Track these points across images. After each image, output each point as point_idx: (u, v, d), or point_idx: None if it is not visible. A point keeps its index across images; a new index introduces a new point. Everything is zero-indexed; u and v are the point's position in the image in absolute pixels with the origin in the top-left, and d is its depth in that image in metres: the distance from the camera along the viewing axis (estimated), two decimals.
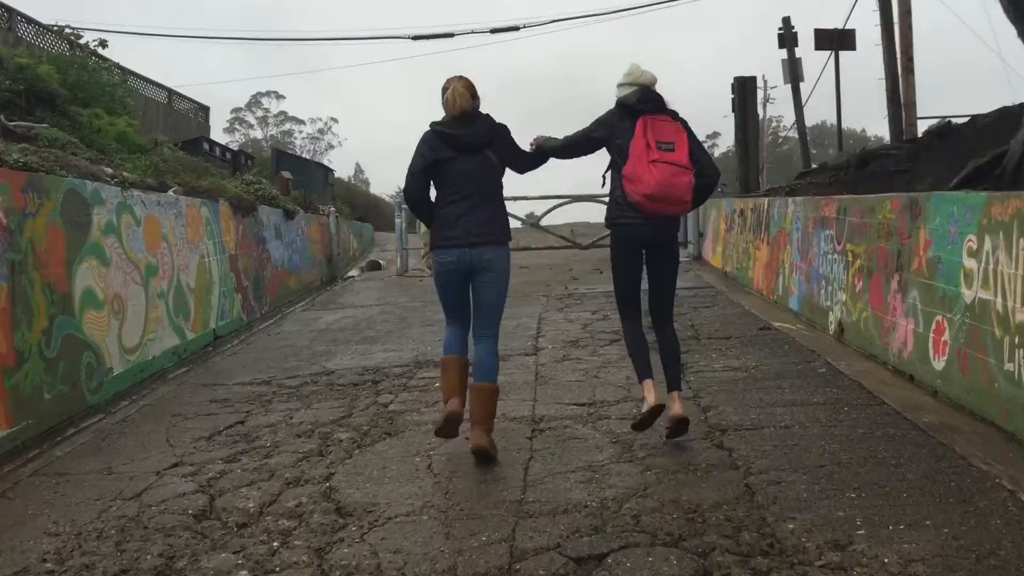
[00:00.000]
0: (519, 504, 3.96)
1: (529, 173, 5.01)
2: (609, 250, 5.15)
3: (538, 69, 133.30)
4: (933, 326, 5.64)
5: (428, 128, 4.72)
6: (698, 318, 8.86)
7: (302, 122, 73.25)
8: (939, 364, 5.54)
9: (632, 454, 4.59)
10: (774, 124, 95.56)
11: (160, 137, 14.92)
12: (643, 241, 4.87)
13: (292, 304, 12.30)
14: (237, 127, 71.61)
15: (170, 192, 8.77)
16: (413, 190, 4.73)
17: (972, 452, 4.31)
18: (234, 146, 73.35)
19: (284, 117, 73.26)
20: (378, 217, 38.01)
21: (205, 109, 22.45)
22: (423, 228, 14.63)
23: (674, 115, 4.81)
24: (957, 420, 4.93)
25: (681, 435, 4.71)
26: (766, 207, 10.67)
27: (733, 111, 16.86)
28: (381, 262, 17.53)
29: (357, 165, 78.99)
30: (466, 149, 4.63)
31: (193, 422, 5.78)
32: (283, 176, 15.01)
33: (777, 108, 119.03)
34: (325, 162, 75.63)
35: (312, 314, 11.02)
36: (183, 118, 21.37)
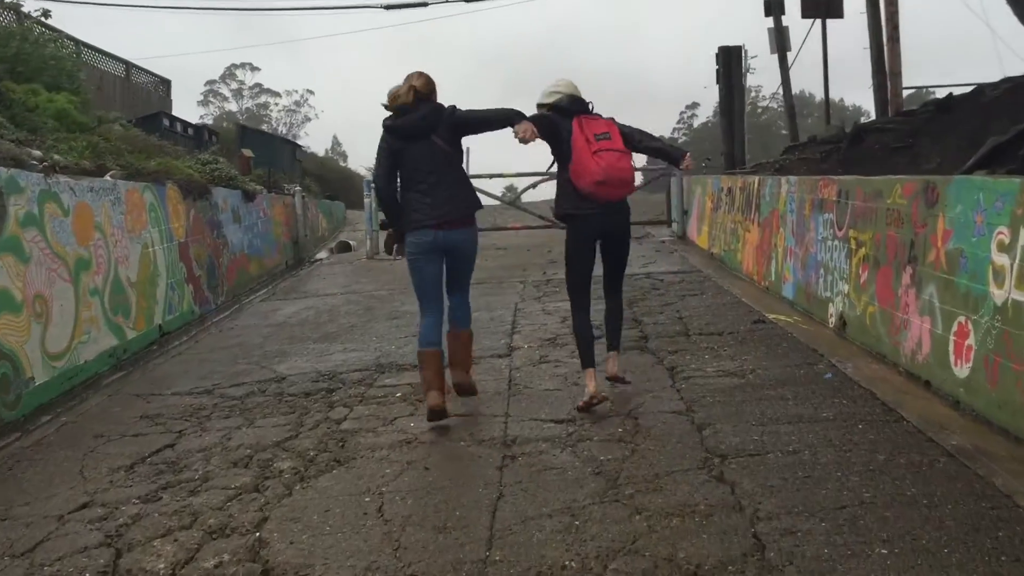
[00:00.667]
0: (483, 565, 3.29)
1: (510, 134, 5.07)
2: (566, 243, 5.41)
3: (516, 39, 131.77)
4: (954, 328, 4.99)
5: (383, 127, 5.06)
6: (686, 308, 8.20)
7: (278, 95, 72.28)
8: (962, 371, 4.90)
9: (618, 491, 3.91)
10: (752, 94, 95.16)
11: (113, 114, 14.00)
12: (598, 232, 5.30)
13: (253, 292, 11.53)
14: (212, 100, 71.04)
15: (107, 176, 7.97)
16: (384, 186, 5.13)
17: (1016, 488, 3.67)
18: (208, 120, 72.28)
19: (260, 89, 72.18)
20: (352, 193, 37.05)
21: (166, 83, 21.41)
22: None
23: (600, 115, 5.28)
24: (989, 442, 4.29)
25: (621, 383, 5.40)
26: (756, 186, 10.00)
27: (717, 83, 16.14)
28: (351, 243, 16.75)
29: (334, 138, 78.13)
30: (411, 136, 4.97)
31: (116, 445, 5.06)
32: (244, 154, 14.16)
33: (756, 77, 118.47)
34: (302, 135, 74.70)
35: (271, 305, 10.27)
36: (142, 92, 20.37)
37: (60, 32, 15.33)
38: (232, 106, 71.50)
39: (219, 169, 11.69)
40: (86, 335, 6.87)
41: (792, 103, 16.37)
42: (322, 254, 16.45)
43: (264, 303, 10.50)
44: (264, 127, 74.72)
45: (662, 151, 5.57)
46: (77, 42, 17.08)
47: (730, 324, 7.35)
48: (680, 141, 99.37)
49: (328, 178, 37.43)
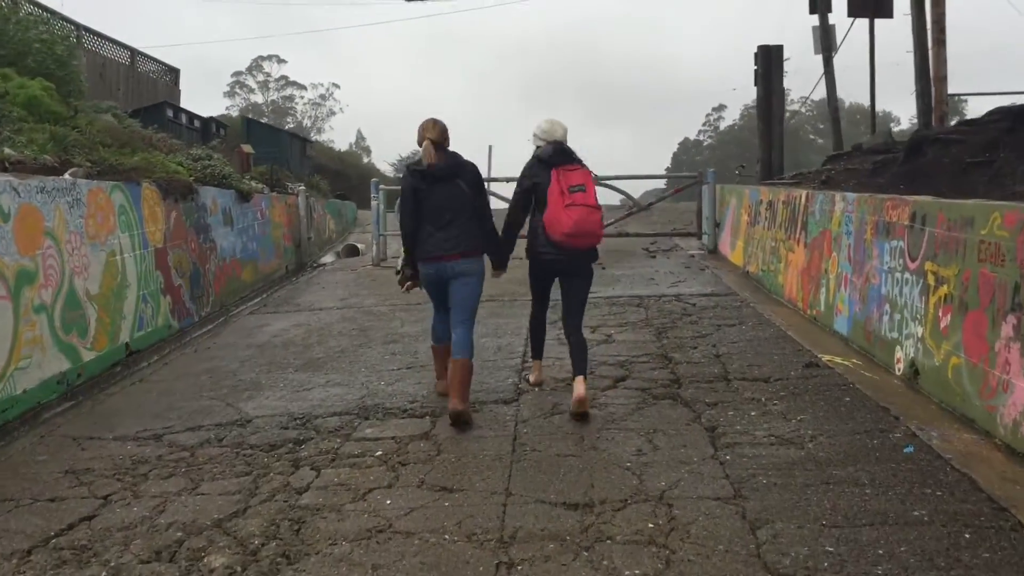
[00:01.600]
0: None
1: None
2: (529, 274, 6.00)
3: (540, 34, 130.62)
4: None
5: (407, 170, 5.58)
6: (724, 342, 7.13)
7: (303, 87, 72.21)
8: None
9: None
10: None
11: (107, 103, 13.08)
12: (557, 271, 5.77)
13: (244, 302, 10.57)
14: (238, 91, 70.83)
15: (66, 175, 7.00)
16: (407, 223, 5.51)
17: None
18: (234, 112, 71.83)
19: (285, 82, 71.94)
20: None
21: (174, 72, 20.52)
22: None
23: (581, 163, 5.54)
24: None
25: (583, 417, 5.25)
26: (803, 201, 8.90)
27: (756, 84, 15.01)
28: (360, 246, 15.76)
29: (359, 132, 77.85)
30: (438, 180, 5.40)
31: (22, 517, 4.07)
32: (242, 149, 13.19)
33: (787, 80, 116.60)
34: (326, 128, 74.42)
35: (259, 319, 9.29)
36: (148, 82, 19.50)
37: (56, 14, 14.44)
38: (258, 98, 71.62)
39: (212, 166, 10.74)
40: (27, 359, 5.90)
41: (837, 108, 15.21)
42: (327, 258, 15.48)
43: (252, 316, 9.52)
44: (289, 120, 74.52)
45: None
46: (78, 26, 16.21)
47: (777, 366, 6.28)
48: (706, 144, 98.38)
49: (347, 174, 36.58)
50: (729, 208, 13.01)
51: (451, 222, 5.38)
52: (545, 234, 5.45)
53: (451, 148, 5.54)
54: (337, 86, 73.77)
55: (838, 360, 6.45)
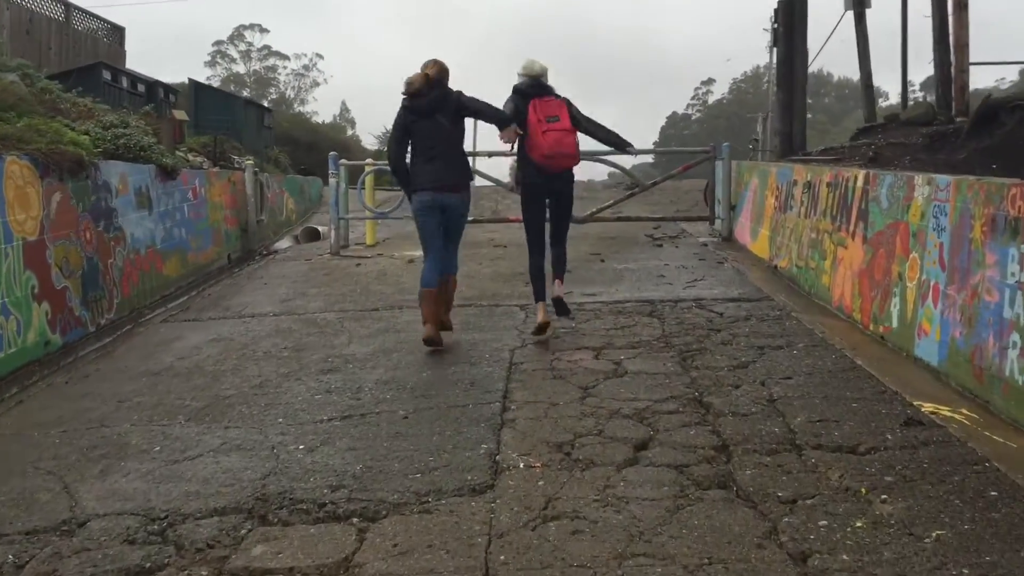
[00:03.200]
0: None
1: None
2: (521, 202, 6.70)
3: (529, 5, 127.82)
4: None
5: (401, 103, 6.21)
6: (774, 375, 5.28)
7: (286, 57, 70.81)
8: None
9: None
10: (772, 71, 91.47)
11: (16, 61, 11.04)
12: (545, 193, 6.51)
13: (166, 302, 8.67)
14: (219, 61, 69.47)
15: None
16: (394, 152, 6.27)
17: None
18: (215, 81, 69.91)
19: (268, 52, 70.67)
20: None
21: (119, 30, 18.33)
22: (367, 185, 10.94)
23: (556, 96, 6.39)
24: None
25: (563, 313, 6.70)
26: (858, 183, 7.03)
27: (774, 45, 13.10)
28: (321, 229, 13.80)
29: (343, 104, 76.63)
30: (422, 114, 6.12)
31: None
32: (173, 116, 11.16)
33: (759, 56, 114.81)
34: (310, 99, 72.42)
35: (171, 330, 7.37)
36: (86, 40, 17.34)
37: None
38: (240, 68, 70.24)
39: (127, 135, 8.75)
40: None
41: (870, 72, 13.24)
42: (283, 243, 13.52)
43: (165, 326, 7.59)
44: (272, 91, 72.57)
45: (607, 139, 6.84)
46: None
47: (863, 423, 4.42)
48: (694, 118, 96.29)
49: (321, 146, 34.47)
50: (748, 189, 11.12)
51: (435, 156, 6.11)
52: (529, 159, 6.29)
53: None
54: (321, 56, 72.50)
55: (944, 412, 4.61)
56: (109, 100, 14.43)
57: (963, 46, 12.98)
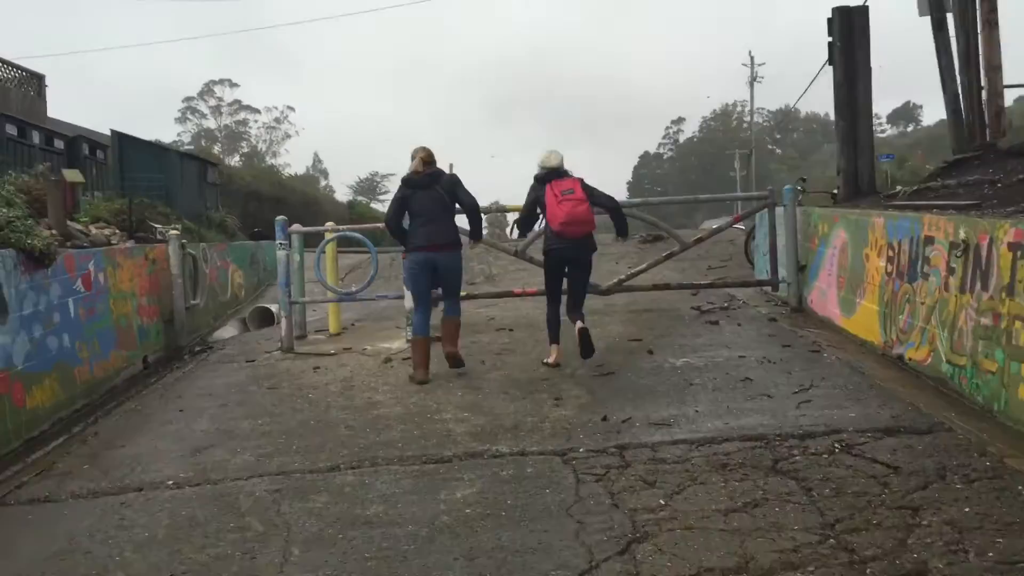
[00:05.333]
0: None
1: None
2: (544, 270, 7.49)
3: (501, 60, 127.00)
4: None
5: (401, 182, 7.16)
6: None
7: (257, 111, 70.43)
8: None
9: None
10: (739, 108, 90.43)
11: None
12: (565, 260, 7.28)
13: (31, 451, 5.83)
14: (189, 117, 69.10)
15: None
16: (392, 222, 7.08)
17: None
18: (186, 137, 67.99)
19: (238, 106, 70.26)
20: (318, 221, 31.30)
21: (38, 78, 15.69)
22: (328, 257, 8.25)
23: (570, 176, 7.24)
24: None
25: (587, 355, 7.11)
26: None
27: (830, 63, 10.56)
28: (275, 309, 10.96)
29: (315, 155, 75.80)
30: (421, 186, 6.97)
31: None
32: (63, 178, 8.37)
33: (741, 91, 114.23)
34: (282, 152, 70.71)
35: None
36: (1, 90, 14.65)
37: None
38: (211, 123, 69.87)
39: None
40: None
41: (957, 94, 10.73)
42: (227, 330, 10.72)
43: None
44: (244, 144, 70.63)
45: (615, 218, 7.54)
46: None
47: None
48: (666, 157, 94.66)
49: (291, 201, 31.77)
50: (829, 245, 8.48)
51: (431, 220, 6.95)
52: (550, 230, 7.14)
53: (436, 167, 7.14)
54: (292, 109, 72.12)
55: None
56: (14, 158, 11.70)
57: (995, 67, 10.91)
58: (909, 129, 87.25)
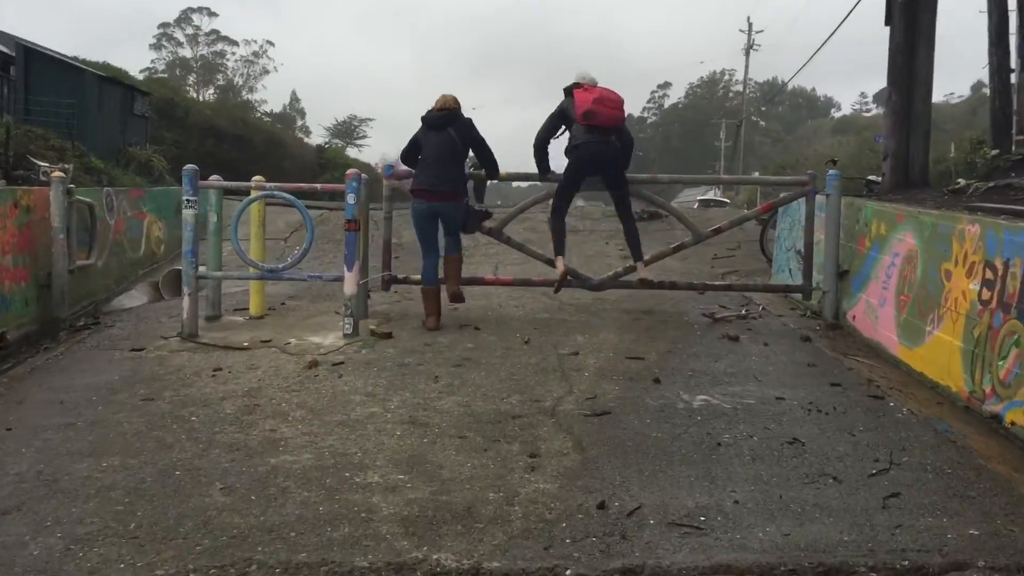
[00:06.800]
0: None
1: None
2: (565, 170, 7.19)
3: (488, 7, 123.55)
4: None
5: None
6: None
7: (235, 43, 67.45)
8: None
9: None
10: (726, 77, 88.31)
11: None
12: (594, 161, 7.04)
13: None
14: (165, 44, 66.06)
15: None
16: (405, 156, 7.13)
17: None
18: (160, 65, 66.12)
19: (216, 36, 67.19)
20: (283, 173, 29.09)
21: None
22: (253, 221, 6.44)
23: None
24: None
25: (648, 287, 7.30)
26: None
27: (887, 22, 8.73)
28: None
29: (293, 93, 73.43)
30: (434, 127, 6.97)
31: None
32: None
33: (733, 60, 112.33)
34: (259, 88, 68.32)
35: None
36: None
37: None
38: (187, 52, 66.98)
39: None
40: None
41: (1009, 76, 9.08)
42: (133, 297, 8.80)
43: None
44: (219, 77, 67.86)
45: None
46: None
47: None
48: (650, 122, 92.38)
49: (255, 141, 29.53)
50: (885, 250, 6.70)
51: (437, 162, 6.92)
52: (578, 127, 6.95)
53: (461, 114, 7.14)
54: (271, 44, 69.82)
55: None
56: None
57: None
58: None
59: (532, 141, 7.33)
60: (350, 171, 6.83)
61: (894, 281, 6.48)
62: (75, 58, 17.85)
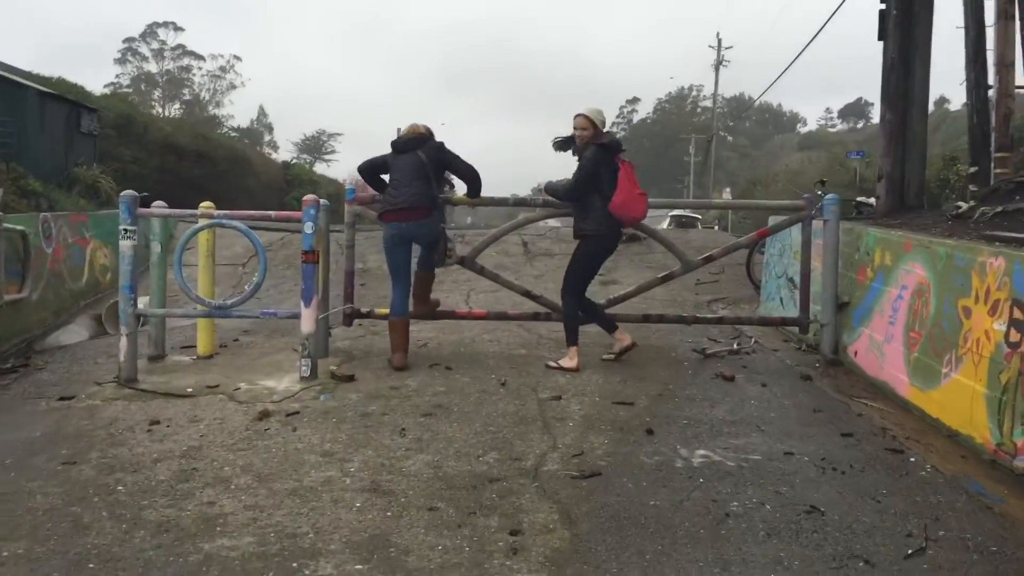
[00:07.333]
0: None
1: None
2: (586, 253, 6.56)
3: (460, 24, 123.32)
4: None
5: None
6: None
7: (201, 58, 67.67)
8: None
9: None
10: (694, 92, 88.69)
11: None
12: (612, 247, 6.66)
13: None
14: (130, 59, 66.24)
15: None
16: (364, 166, 6.76)
17: None
18: (125, 80, 65.64)
19: (182, 51, 67.32)
20: (247, 191, 28.29)
21: None
22: (201, 251, 5.80)
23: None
24: None
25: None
26: None
27: (880, 37, 8.27)
28: (142, 303, 8.31)
29: (260, 108, 73.09)
30: (402, 150, 6.63)
31: None
32: None
33: (702, 76, 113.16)
34: (226, 103, 67.84)
35: None
36: None
37: None
38: (152, 67, 67.04)
39: None
40: None
41: (985, 92, 8.78)
42: (71, 332, 8.07)
43: None
44: (185, 92, 66.99)
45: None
46: None
47: None
48: (619, 136, 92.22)
49: (217, 157, 28.69)
50: (891, 282, 6.17)
51: (403, 183, 6.51)
52: (612, 216, 6.34)
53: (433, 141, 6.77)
54: (239, 59, 69.75)
55: None
56: None
57: (1008, 65, 9.89)
58: (859, 126, 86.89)
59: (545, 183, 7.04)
60: (307, 197, 6.18)
61: (902, 316, 5.96)
62: (30, 73, 17.04)
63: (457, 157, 6.69)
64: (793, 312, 7.47)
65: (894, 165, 8.15)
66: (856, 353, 6.59)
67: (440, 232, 6.61)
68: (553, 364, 6.50)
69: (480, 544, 3.61)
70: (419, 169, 6.50)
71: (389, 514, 3.90)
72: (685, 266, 6.96)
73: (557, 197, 6.70)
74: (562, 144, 6.57)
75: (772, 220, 8.50)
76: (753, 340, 7.57)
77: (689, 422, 5.26)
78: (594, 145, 6.35)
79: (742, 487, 4.24)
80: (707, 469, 4.48)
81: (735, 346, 7.22)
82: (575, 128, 6.42)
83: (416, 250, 6.76)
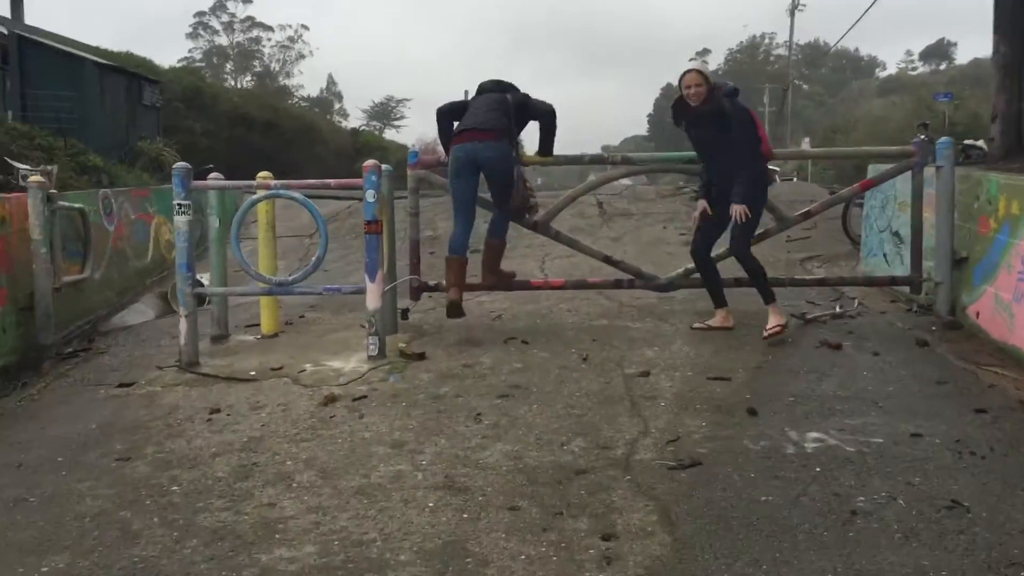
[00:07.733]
0: None
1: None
2: (755, 203, 5.82)
3: None
4: None
5: None
6: None
7: (270, 29, 67.95)
8: None
9: None
10: (767, 41, 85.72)
11: None
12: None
13: None
14: (201, 33, 66.88)
15: None
16: (442, 108, 6.30)
17: None
18: (197, 54, 67.29)
19: (251, 23, 67.94)
20: (316, 159, 28.12)
21: None
22: (260, 225, 5.49)
23: None
24: None
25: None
26: None
27: None
28: (205, 280, 8.05)
29: (329, 77, 73.47)
30: (487, 90, 6.31)
31: None
32: None
33: (776, 23, 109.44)
34: (295, 72, 68.42)
35: None
36: None
37: None
38: (223, 40, 67.72)
39: None
40: None
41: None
42: (137, 312, 7.86)
43: None
44: (256, 64, 67.63)
45: None
46: None
47: None
48: None
49: (286, 127, 28.67)
50: (1015, 234, 5.45)
51: (479, 111, 6.10)
52: (765, 169, 6.11)
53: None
54: (306, 28, 70.19)
55: None
56: None
57: None
58: (943, 67, 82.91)
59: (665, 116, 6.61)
60: (367, 163, 5.75)
61: None
62: (96, 47, 16.98)
63: (543, 104, 6.31)
64: (901, 270, 6.78)
65: (1010, 102, 7.34)
66: (978, 314, 5.90)
67: (513, 169, 6.07)
68: (700, 325, 6.19)
69: (569, 552, 3.16)
70: (500, 103, 6.15)
71: (465, 516, 3.48)
72: (782, 223, 6.34)
73: (758, 171, 5.98)
74: (676, 116, 6.18)
75: (872, 169, 7.79)
76: (856, 302, 6.91)
77: (796, 399, 4.70)
78: (727, 98, 5.89)
79: (867, 477, 3.70)
80: (823, 456, 3.94)
81: (838, 309, 6.59)
82: (686, 87, 5.91)
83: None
